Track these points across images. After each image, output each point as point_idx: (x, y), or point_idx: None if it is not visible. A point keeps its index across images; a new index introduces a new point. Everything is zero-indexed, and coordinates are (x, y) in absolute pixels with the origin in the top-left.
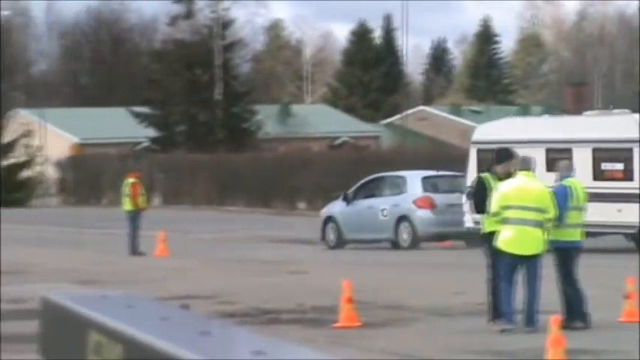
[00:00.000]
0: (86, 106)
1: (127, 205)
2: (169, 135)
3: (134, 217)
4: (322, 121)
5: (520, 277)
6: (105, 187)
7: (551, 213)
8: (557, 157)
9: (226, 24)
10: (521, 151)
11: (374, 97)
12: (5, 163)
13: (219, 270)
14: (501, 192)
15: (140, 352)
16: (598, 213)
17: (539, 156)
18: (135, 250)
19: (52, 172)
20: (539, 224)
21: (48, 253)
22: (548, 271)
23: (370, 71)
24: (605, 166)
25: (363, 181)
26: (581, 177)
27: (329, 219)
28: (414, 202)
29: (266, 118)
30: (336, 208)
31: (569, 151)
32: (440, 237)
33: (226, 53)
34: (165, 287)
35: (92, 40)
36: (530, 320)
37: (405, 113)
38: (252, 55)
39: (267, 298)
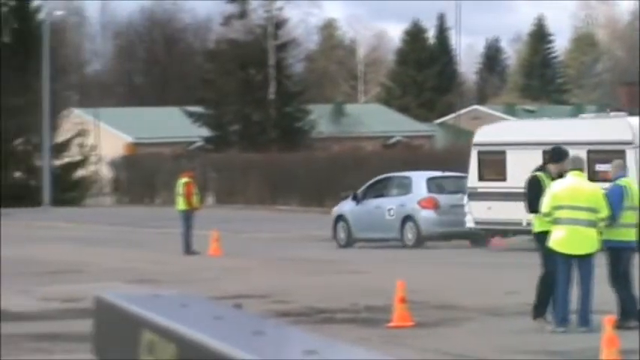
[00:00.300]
0: (140, 106)
1: (181, 205)
2: (223, 134)
3: (188, 216)
4: (376, 120)
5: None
6: (158, 187)
7: (604, 212)
8: None
9: (280, 24)
10: (519, 153)
11: (427, 97)
12: (59, 162)
13: (273, 269)
14: (552, 192)
15: (193, 352)
16: None
17: (536, 158)
18: (188, 250)
19: (105, 172)
20: (591, 224)
21: (102, 253)
22: (603, 271)
23: (424, 71)
24: (600, 167)
25: (372, 181)
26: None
27: (339, 218)
28: (419, 202)
29: (319, 118)
30: (347, 207)
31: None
32: (444, 237)
33: (280, 53)
34: (218, 286)
35: (146, 40)
36: (584, 320)
37: (458, 112)
38: (306, 55)
39: (321, 298)
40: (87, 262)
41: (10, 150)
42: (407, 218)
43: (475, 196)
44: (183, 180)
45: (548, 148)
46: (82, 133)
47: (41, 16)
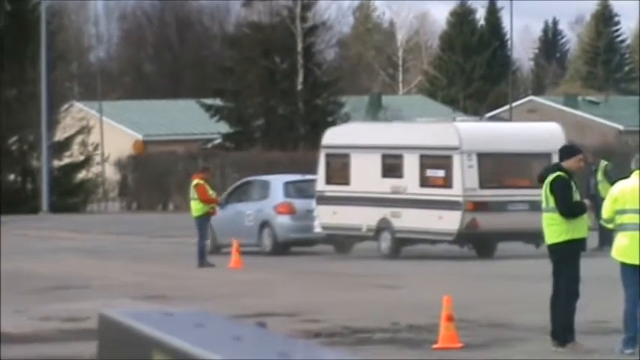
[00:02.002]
0: (150, 99)
1: (196, 211)
2: (244, 130)
3: (203, 223)
4: (418, 113)
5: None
6: (172, 191)
7: None
8: (392, 162)
9: (309, 5)
10: (361, 157)
11: (477, 87)
12: (59, 163)
13: (301, 284)
14: (614, 195)
15: None
16: (422, 219)
17: (375, 162)
18: (203, 261)
19: (111, 174)
20: None
21: (107, 266)
22: None
23: (472, 57)
24: (430, 172)
25: (234, 186)
26: (410, 183)
27: None
28: (275, 207)
29: (354, 111)
30: None
31: (401, 157)
32: (300, 243)
33: (309, 38)
34: (239, 303)
35: (156, 24)
36: None
37: (512, 105)
38: (338, 40)
39: (357, 316)
40: (91, 277)
41: (4, 149)
42: (264, 224)
43: (322, 200)
44: (195, 182)
45: (386, 152)
46: (84, 130)
47: None
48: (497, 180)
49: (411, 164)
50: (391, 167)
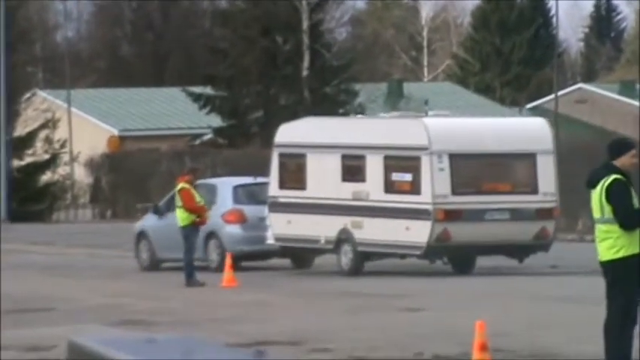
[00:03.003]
0: (128, 86)
1: (181, 220)
2: (240, 124)
3: (190, 235)
4: (446, 103)
5: None
6: (153, 196)
7: None
8: (353, 164)
9: None
10: (318, 157)
11: (516, 73)
12: (19, 163)
13: (307, 305)
14: None
15: None
16: (386, 230)
17: (334, 164)
18: (191, 280)
19: (82, 176)
20: None
21: (76, 285)
22: None
23: (511, 37)
24: (395, 176)
25: (174, 191)
26: (374, 189)
27: (141, 235)
28: (222, 215)
29: (370, 102)
30: (149, 222)
31: (363, 158)
32: (252, 256)
33: (316, 14)
34: (234, 329)
35: None
36: None
37: (557, 94)
38: (351, 17)
39: (374, 344)
40: (58, 298)
41: None
42: (210, 235)
43: (276, 207)
44: (180, 186)
45: (346, 152)
46: (49, 124)
47: None
48: (473, 185)
49: (374, 166)
50: (352, 170)
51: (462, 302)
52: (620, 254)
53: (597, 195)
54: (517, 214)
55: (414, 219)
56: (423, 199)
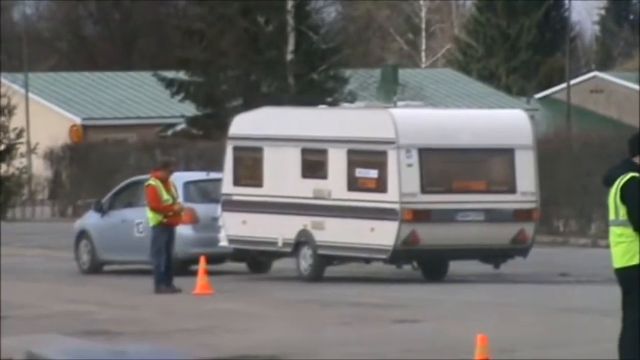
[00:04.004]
0: (92, 70)
1: (151, 219)
2: (217, 113)
3: (158, 236)
4: (446, 92)
5: None
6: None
7: None
8: (314, 159)
9: None
10: (276, 151)
11: (523, 59)
12: None
13: (290, 315)
14: None
15: None
16: (349, 232)
17: (295, 157)
18: (160, 285)
19: (40, 169)
20: None
21: (33, 290)
22: None
23: (518, 20)
24: (360, 172)
25: (119, 187)
26: (336, 186)
27: (82, 234)
28: None
29: (362, 89)
30: (90, 220)
31: (325, 152)
32: (207, 260)
33: None
34: (209, 341)
35: None
36: None
37: (570, 82)
38: None
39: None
40: (13, 304)
41: None
42: None
43: (229, 205)
44: (147, 182)
45: (306, 146)
46: (4, 111)
47: None
48: (445, 183)
49: (336, 162)
50: (313, 165)
51: (461, 313)
52: (636, 261)
53: (613, 194)
54: (493, 216)
55: (380, 219)
56: (390, 198)
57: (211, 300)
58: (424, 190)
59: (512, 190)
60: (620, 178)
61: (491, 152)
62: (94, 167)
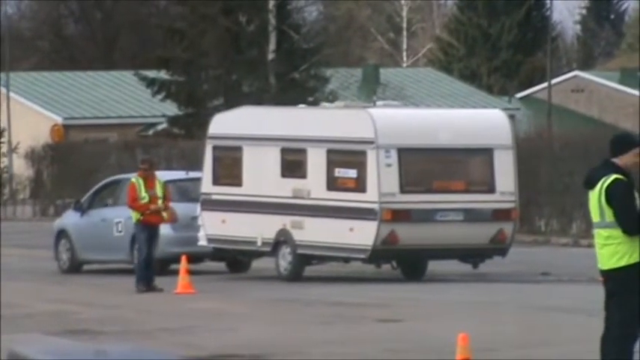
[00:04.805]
0: (73, 70)
1: (134, 217)
2: (198, 112)
3: (139, 234)
4: (427, 91)
5: None
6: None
7: None
8: (294, 159)
9: None
10: (255, 151)
11: (505, 58)
12: None
13: (273, 315)
14: None
15: None
16: (328, 232)
17: (274, 157)
18: (141, 284)
19: (21, 168)
20: None
21: (14, 289)
22: None
23: (500, 19)
24: (339, 172)
25: (98, 186)
26: (315, 186)
27: (61, 233)
28: None
29: (343, 89)
30: (70, 219)
31: (304, 152)
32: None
33: None
34: (190, 341)
35: None
36: None
37: (551, 82)
38: None
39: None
40: None
41: None
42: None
43: (209, 205)
44: (130, 179)
45: (286, 145)
46: None
47: None
48: (424, 182)
49: (316, 161)
50: (292, 165)
51: (443, 312)
52: (624, 262)
53: (596, 196)
54: (472, 215)
55: (359, 219)
56: (369, 198)
57: (193, 299)
58: (403, 189)
59: (491, 189)
60: (604, 179)
61: (471, 152)
62: (75, 167)
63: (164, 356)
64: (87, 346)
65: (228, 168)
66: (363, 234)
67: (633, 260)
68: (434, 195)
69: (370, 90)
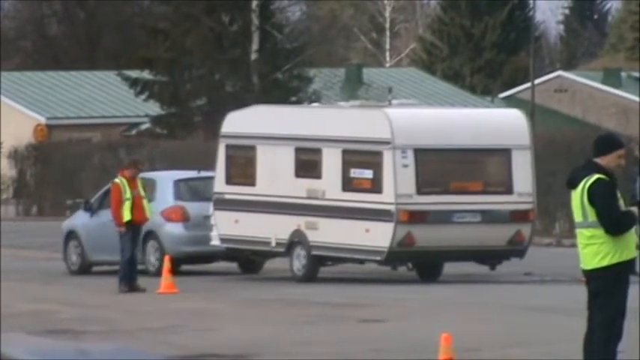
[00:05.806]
0: (57, 69)
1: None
2: (181, 112)
3: (124, 235)
4: (410, 91)
5: None
6: (84, 191)
7: None
8: (308, 159)
9: None
10: (270, 150)
11: (488, 58)
12: None
13: (255, 315)
14: None
15: None
16: (344, 233)
17: (288, 156)
18: (123, 284)
19: (5, 168)
20: None
21: (1, 289)
22: None
23: (483, 19)
24: (354, 173)
25: (108, 186)
26: (330, 186)
27: (70, 234)
28: (162, 213)
29: (326, 88)
30: (79, 220)
31: (319, 151)
32: (195, 259)
33: None
34: (173, 341)
35: None
36: None
37: (534, 82)
38: None
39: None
40: None
41: None
42: (149, 234)
43: (222, 204)
44: (113, 180)
45: (300, 145)
46: None
47: None
48: (441, 183)
49: (331, 161)
50: (307, 165)
51: (426, 313)
52: (606, 262)
53: (578, 196)
54: (489, 217)
55: (375, 220)
56: (385, 199)
57: (176, 299)
58: (420, 191)
59: (508, 190)
60: (586, 179)
61: (488, 152)
62: (59, 167)
63: (147, 356)
64: (69, 345)
65: (242, 167)
66: (379, 235)
67: (616, 260)
68: (451, 196)
69: (353, 90)
